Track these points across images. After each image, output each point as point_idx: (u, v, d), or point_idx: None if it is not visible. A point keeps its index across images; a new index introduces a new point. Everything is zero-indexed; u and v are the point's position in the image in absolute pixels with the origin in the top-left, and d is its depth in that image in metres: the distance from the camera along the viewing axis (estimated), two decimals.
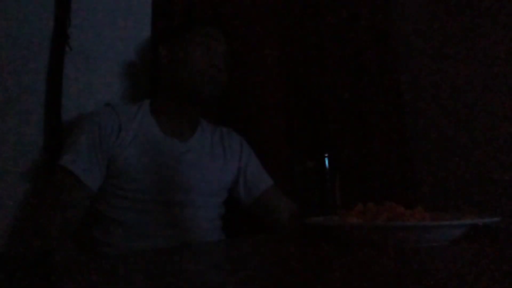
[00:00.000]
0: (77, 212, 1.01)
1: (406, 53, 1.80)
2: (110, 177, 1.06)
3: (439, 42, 1.72)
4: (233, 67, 1.26)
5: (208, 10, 1.38)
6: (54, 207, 0.99)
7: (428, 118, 1.74)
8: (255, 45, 1.41)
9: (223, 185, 1.21)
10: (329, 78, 1.62)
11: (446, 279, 0.43)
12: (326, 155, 0.84)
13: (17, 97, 1.10)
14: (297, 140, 1.45)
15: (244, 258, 0.66)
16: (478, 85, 1.59)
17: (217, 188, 1.18)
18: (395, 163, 1.67)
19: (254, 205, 1.23)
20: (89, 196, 1.03)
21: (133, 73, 1.31)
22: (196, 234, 1.09)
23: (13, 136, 1.08)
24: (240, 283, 0.44)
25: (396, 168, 1.66)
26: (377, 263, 0.54)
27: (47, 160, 1.11)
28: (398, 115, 1.72)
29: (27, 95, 1.11)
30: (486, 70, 1.57)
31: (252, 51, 1.40)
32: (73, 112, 1.17)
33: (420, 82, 1.78)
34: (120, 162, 1.05)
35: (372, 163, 1.65)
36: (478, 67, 1.60)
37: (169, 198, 1.08)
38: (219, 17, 1.39)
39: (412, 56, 1.79)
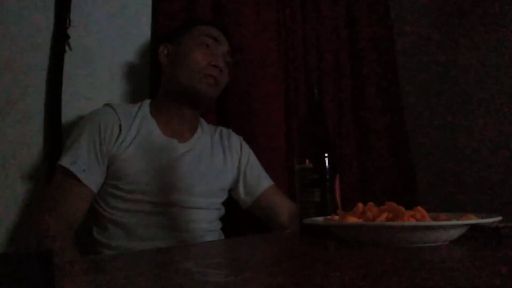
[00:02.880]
0: (77, 213, 1.01)
1: (406, 53, 1.80)
2: (109, 178, 1.06)
3: (439, 42, 1.72)
4: (233, 67, 1.26)
5: (208, 10, 1.38)
6: (54, 208, 0.99)
7: (428, 118, 1.74)
8: (255, 45, 1.41)
9: (223, 186, 1.20)
10: (329, 78, 1.62)
11: (445, 278, 0.43)
12: (326, 155, 0.83)
13: (17, 97, 1.10)
14: (297, 140, 1.44)
15: (244, 258, 0.66)
16: (479, 85, 1.60)
17: (217, 189, 1.18)
18: (395, 163, 1.67)
19: (254, 206, 1.23)
20: (89, 197, 1.03)
21: (133, 73, 1.31)
22: (195, 235, 1.09)
23: (13, 136, 1.08)
24: (240, 283, 0.44)
25: (396, 168, 1.66)
26: (377, 263, 0.54)
27: (48, 161, 1.11)
28: (398, 115, 1.72)
29: (27, 95, 1.11)
30: (486, 70, 1.57)
31: (252, 51, 1.40)
32: (73, 113, 1.17)
33: (419, 82, 1.78)
34: (119, 163, 1.05)
35: (372, 164, 1.65)
36: (478, 67, 1.60)
37: (168, 199, 1.08)
38: (219, 17, 1.39)
39: (412, 56, 1.80)
